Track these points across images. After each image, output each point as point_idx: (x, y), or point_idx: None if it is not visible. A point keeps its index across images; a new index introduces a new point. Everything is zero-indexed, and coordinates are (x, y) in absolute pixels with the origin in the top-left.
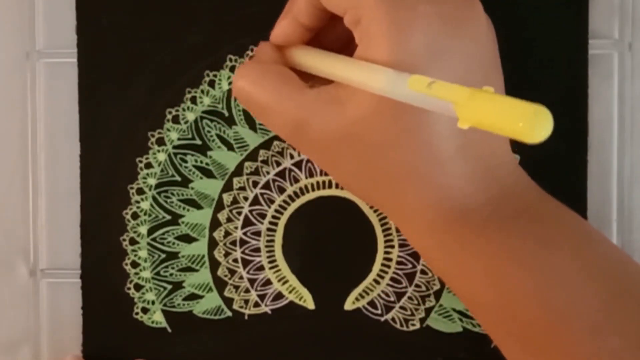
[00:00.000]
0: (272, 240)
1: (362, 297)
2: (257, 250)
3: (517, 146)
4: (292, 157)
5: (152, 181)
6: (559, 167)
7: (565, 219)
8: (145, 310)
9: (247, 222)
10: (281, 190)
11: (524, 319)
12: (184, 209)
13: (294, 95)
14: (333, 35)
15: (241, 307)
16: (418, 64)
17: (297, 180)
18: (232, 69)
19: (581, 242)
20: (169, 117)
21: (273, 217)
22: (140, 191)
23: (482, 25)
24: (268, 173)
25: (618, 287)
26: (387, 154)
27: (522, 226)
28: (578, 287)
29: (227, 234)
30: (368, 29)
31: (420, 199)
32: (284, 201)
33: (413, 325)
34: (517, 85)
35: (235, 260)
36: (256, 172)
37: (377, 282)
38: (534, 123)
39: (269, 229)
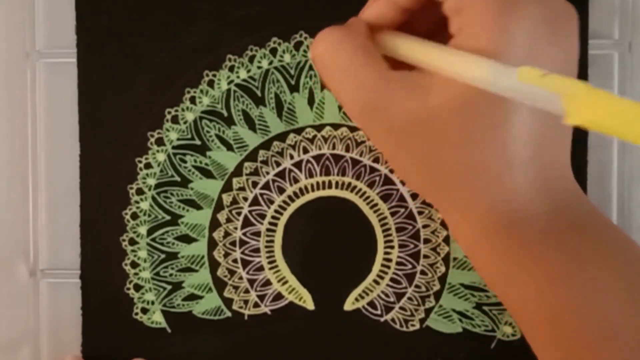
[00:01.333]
0: (272, 241)
1: (362, 297)
2: (257, 250)
3: None
4: (291, 157)
5: (152, 181)
6: None
7: (615, 236)
8: (144, 311)
9: (246, 223)
10: (281, 190)
11: (569, 334)
12: (183, 209)
13: (375, 69)
14: (423, 21)
15: (241, 307)
16: (516, 62)
17: (296, 181)
18: (232, 69)
19: (629, 261)
20: (168, 117)
21: (273, 217)
22: (139, 191)
23: (576, 40)
24: (268, 173)
25: None
26: (461, 148)
27: (575, 242)
28: (624, 306)
29: (226, 234)
30: (471, 19)
31: (484, 199)
32: (284, 201)
33: (413, 325)
34: None
35: (235, 261)
36: (256, 172)
37: (377, 283)
38: None
39: (268, 230)
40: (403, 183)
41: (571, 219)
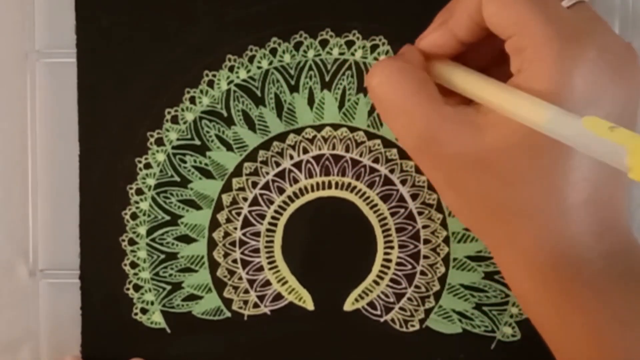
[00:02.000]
0: (272, 241)
1: (362, 298)
2: (257, 251)
3: None
4: (291, 157)
5: (152, 181)
6: None
7: None
8: (144, 311)
9: (246, 223)
10: (280, 191)
11: None
12: (183, 209)
13: (430, 105)
14: (480, 53)
15: (240, 307)
16: (576, 106)
17: (296, 181)
18: (231, 69)
19: None
20: (168, 117)
21: (272, 217)
22: (139, 191)
23: (637, 78)
24: (267, 174)
25: None
26: (515, 188)
27: (632, 286)
28: None
29: (226, 234)
30: (533, 60)
31: (535, 240)
32: (284, 202)
33: (412, 326)
34: None
35: (235, 261)
36: (255, 172)
37: (377, 283)
38: None
39: (268, 230)
40: (403, 183)
41: (629, 262)
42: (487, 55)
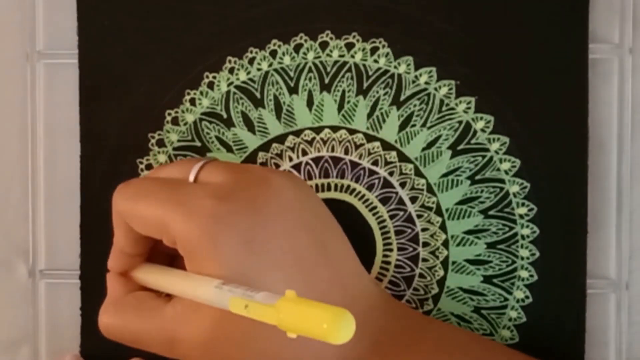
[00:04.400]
0: None
1: None
2: None
3: (518, 148)
4: (290, 159)
5: None
6: (560, 168)
7: (447, 345)
8: None
9: None
10: None
11: None
12: None
13: (152, 319)
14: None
15: None
16: (244, 265)
17: None
18: (231, 71)
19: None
20: (169, 118)
21: None
22: None
23: (287, 195)
24: None
25: None
26: (250, 346)
27: (408, 355)
28: None
29: None
30: (185, 248)
31: None
32: None
33: None
34: (518, 89)
35: None
36: None
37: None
38: (336, 324)
39: None
40: (402, 186)
41: (390, 328)
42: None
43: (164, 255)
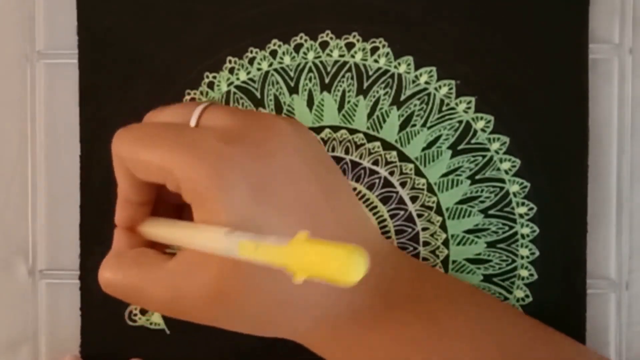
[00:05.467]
0: None
1: None
2: None
3: (518, 148)
4: None
5: None
6: (560, 168)
7: (452, 295)
8: (143, 312)
9: None
10: None
11: None
12: None
13: (154, 274)
14: (174, 196)
15: None
16: (250, 211)
17: None
18: (232, 71)
19: (468, 319)
20: None
21: None
22: None
23: (293, 140)
24: None
25: (507, 348)
26: (257, 296)
27: (412, 310)
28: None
29: None
30: (190, 193)
31: (308, 319)
32: None
33: None
34: (518, 89)
35: None
36: None
37: None
38: (348, 263)
39: None
40: (403, 186)
41: (403, 288)
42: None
43: (171, 209)
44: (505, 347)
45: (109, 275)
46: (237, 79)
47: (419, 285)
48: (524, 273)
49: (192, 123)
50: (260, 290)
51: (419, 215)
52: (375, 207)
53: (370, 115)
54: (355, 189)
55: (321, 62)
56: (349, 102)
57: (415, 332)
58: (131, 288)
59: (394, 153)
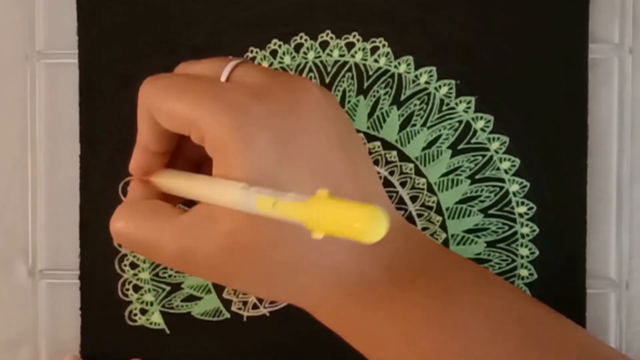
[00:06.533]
0: None
1: None
2: None
3: (518, 148)
4: None
5: None
6: (560, 168)
7: (462, 270)
8: (143, 312)
9: None
10: None
11: None
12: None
13: (167, 226)
14: (195, 151)
15: (240, 309)
16: (273, 167)
17: None
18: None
19: (480, 292)
20: None
21: None
22: None
23: (320, 103)
24: None
25: (523, 335)
26: (270, 255)
27: (423, 285)
28: (482, 340)
29: None
30: (214, 145)
31: (318, 285)
32: None
33: None
34: (518, 89)
35: None
36: None
37: None
38: (370, 222)
39: None
40: (403, 185)
41: (415, 263)
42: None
43: (187, 165)
44: (523, 322)
45: (121, 225)
46: None
47: (431, 263)
48: (523, 273)
49: (223, 78)
50: (274, 249)
51: (419, 215)
52: None
53: (370, 115)
54: None
55: (321, 62)
56: (349, 101)
57: (425, 311)
58: (143, 239)
59: (394, 153)
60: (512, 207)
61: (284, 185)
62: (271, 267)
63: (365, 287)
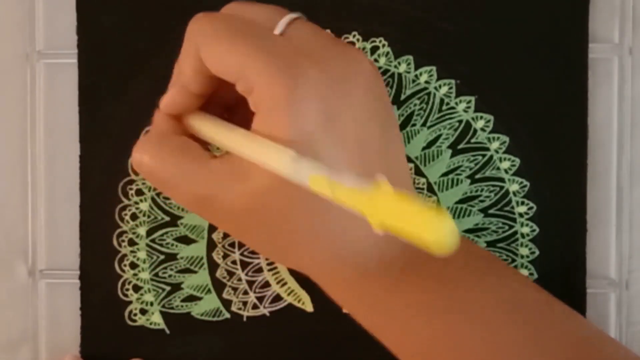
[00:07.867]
0: None
1: None
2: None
3: (518, 147)
4: None
5: None
6: (560, 168)
7: (475, 257)
8: (143, 312)
9: None
10: None
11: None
12: (183, 210)
13: (195, 168)
14: (229, 97)
15: (240, 309)
16: (316, 134)
17: None
18: None
19: (493, 280)
20: None
21: None
22: (139, 192)
23: (369, 77)
24: None
25: (532, 325)
26: (293, 220)
27: (437, 270)
28: (495, 328)
29: (225, 235)
30: (261, 99)
31: (334, 258)
32: None
33: None
34: (518, 89)
35: (234, 262)
36: None
37: None
38: (442, 237)
39: None
40: None
41: (417, 258)
42: (237, 97)
43: (214, 105)
44: (535, 311)
45: (145, 156)
46: None
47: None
48: (523, 272)
49: (277, 31)
50: (299, 215)
51: None
52: None
53: None
54: None
55: None
56: None
57: (433, 300)
58: (166, 175)
59: None
60: (512, 207)
61: (321, 153)
62: (290, 233)
63: (380, 270)
